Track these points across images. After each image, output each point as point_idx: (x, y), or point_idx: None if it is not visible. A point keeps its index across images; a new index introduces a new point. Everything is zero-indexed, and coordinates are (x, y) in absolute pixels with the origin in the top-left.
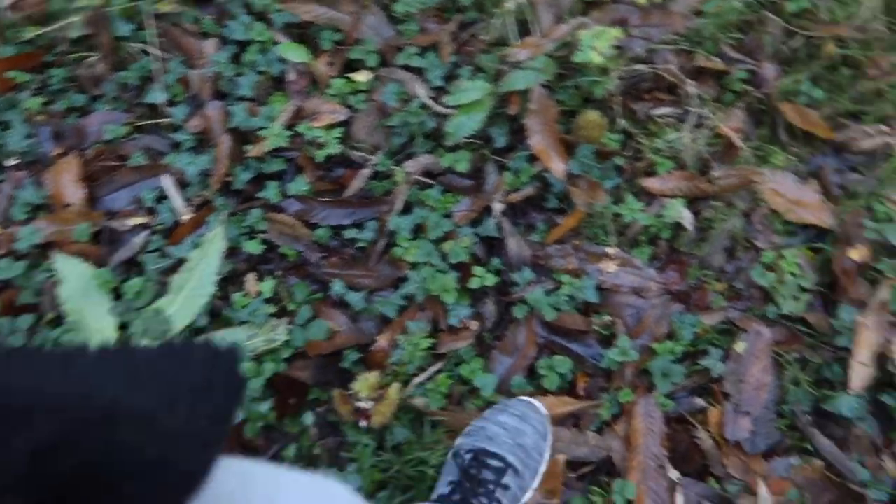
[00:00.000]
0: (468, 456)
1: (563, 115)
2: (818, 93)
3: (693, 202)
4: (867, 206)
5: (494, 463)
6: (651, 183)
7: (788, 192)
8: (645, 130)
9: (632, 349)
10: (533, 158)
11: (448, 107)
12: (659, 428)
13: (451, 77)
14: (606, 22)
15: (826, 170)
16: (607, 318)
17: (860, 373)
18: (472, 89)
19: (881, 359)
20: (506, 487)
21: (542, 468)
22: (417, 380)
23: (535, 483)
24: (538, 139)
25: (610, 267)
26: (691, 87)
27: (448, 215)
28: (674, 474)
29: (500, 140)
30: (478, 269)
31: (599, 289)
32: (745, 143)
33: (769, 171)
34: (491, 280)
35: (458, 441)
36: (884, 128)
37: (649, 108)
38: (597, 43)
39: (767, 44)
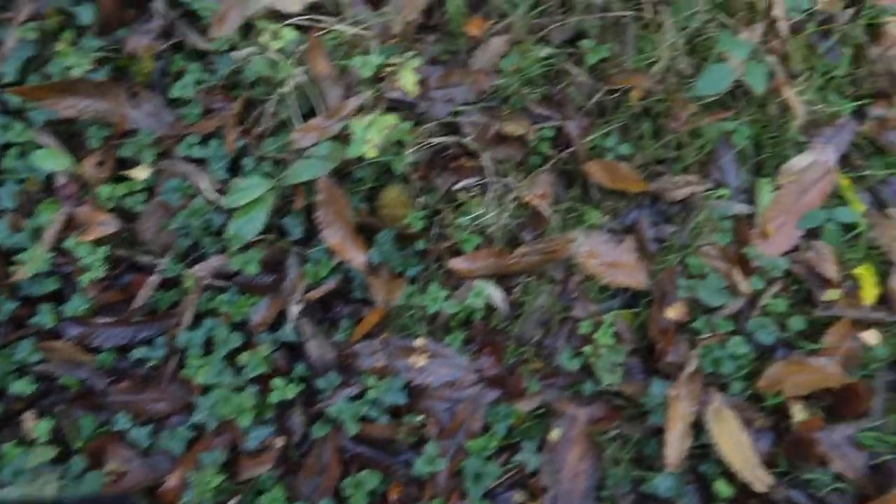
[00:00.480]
0: None
1: (368, 190)
2: (625, 147)
3: (504, 278)
4: (682, 261)
5: None
6: (457, 264)
7: (604, 254)
8: (450, 204)
9: (440, 457)
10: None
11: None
12: None
13: (237, 167)
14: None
15: (642, 224)
16: (419, 419)
17: (675, 448)
18: (250, 187)
19: (698, 426)
20: None
21: None
22: None
23: None
24: (331, 232)
25: (420, 361)
26: (487, 161)
27: (244, 323)
28: None
29: (297, 231)
30: (277, 382)
31: (410, 387)
32: (557, 205)
33: (584, 234)
34: (293, 391)
35: None
36: (690, 177)
37: (453, 180)
38: (371, 134)
39: (574, 96)
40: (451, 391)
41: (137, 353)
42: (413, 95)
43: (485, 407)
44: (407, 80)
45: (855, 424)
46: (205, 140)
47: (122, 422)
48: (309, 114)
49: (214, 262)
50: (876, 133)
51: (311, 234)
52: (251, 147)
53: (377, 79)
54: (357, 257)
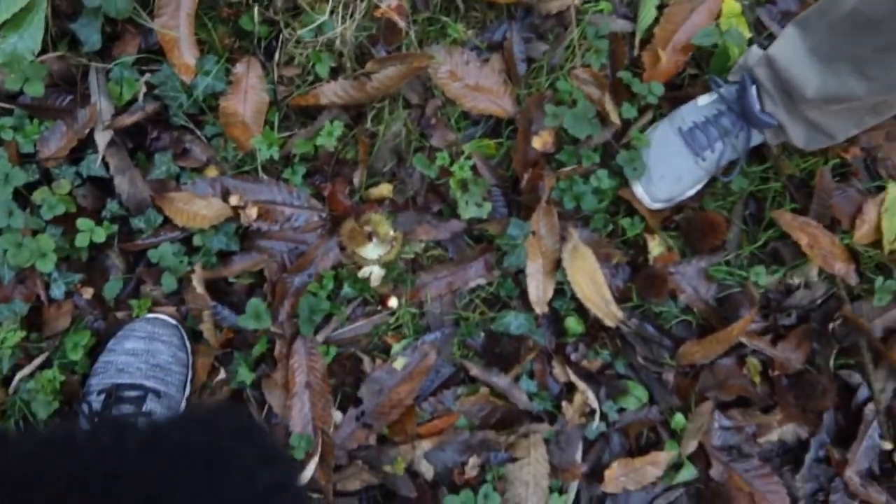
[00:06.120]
0: (100, 398)
1: None
2: None
3: (358, 106)
4: (552, 85)
5: (131, 393)
6: (306, 101)
7: (466, 76)
8: (293, 12)
9: (265, 314)
10: (145, 62)
11: None
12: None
13: None
14: None
15: (511, 40)
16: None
17: (538, 287)
18: None
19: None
20: (149, 414)
21: (189, 375)
22: (22, 373)
23: (186, 393)
24: (169, 21)
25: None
26: None
27: (33, 154)
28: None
29: (93, 40)
30: (83, 223)
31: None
32: (416, 14)
33: (445, 51)
34: (102, 234)
35: (88, 382)
36: None
37: None
38: None
39: None
40: (295, 233)
41: None
42: None
43: (333, 251)
44: None
45: (708, 258)
46: None
47: None
48: None
49: None
50: None
51: (111, 45)
52: None
53: None
54: (188, 61)
